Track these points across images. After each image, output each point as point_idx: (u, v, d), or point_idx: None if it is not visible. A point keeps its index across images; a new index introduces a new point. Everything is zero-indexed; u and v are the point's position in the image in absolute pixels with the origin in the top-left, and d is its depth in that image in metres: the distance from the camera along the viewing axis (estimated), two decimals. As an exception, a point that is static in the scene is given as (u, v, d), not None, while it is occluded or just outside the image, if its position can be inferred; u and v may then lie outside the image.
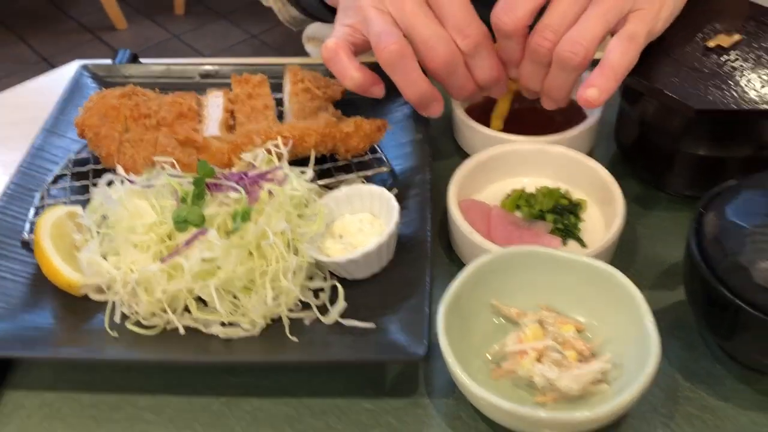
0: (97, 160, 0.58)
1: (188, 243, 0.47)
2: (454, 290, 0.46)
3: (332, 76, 0.58)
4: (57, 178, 0.58)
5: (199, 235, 0.47)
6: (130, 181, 0.50)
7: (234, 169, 0.52)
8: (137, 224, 0.48)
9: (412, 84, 0.54)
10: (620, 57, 0.50)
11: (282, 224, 0.47)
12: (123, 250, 0.48)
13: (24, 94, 0.76)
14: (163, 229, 0.48)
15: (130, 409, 0.47)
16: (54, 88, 0.67)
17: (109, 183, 0.51)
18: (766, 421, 0.45)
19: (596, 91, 0.50)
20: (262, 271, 0.47)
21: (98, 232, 0.50)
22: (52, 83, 0.72)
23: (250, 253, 0.47)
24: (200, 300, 0.48)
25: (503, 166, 0.58)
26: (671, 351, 0.49)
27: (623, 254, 0.54)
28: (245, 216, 0.47)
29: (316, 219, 0.50)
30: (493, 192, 0.58)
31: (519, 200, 0.56)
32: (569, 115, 0.60)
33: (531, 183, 0.58)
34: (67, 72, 0.71)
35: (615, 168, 0.56)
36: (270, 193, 0.48)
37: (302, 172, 0.52)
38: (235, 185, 0.48)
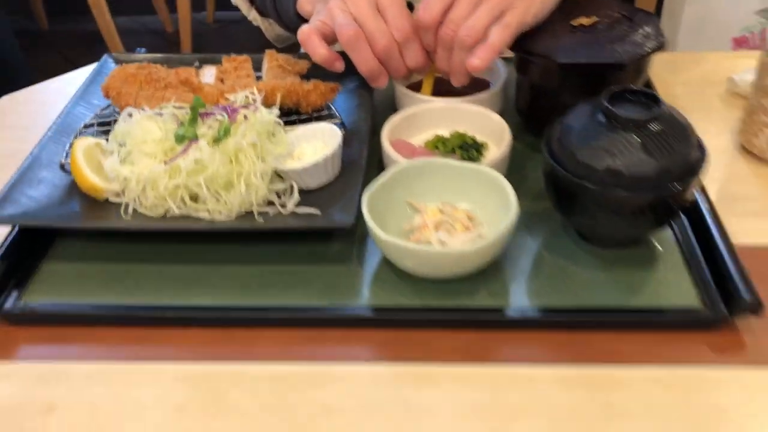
0: (118, 113, 0.76)
1: (185, 150, 0.64)
2: (377, 185, 0.63)
3: (305, 57, 0.77)
4: (87, 126, 0.77)
5: (192, 144, 0.64)
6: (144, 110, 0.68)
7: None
8: (148, 139, 0.66)
9: (365, 61, 0.74)
10: (497, 38, 0.70)
11: (254, 138, 0.65)
12: (136, 159, 0.66)
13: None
14: (167, 144, 0.66)
15: (138, 273, 0.64)
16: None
17: (129, 114, 0.69)
18: (603, 277, 0.62)
19: (478, 60, 0.70)
20: (238, 173, 0.65)
21: (119, 149, 0.67)
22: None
23: (231, 161, 0.65)
24: (192, 200, 0.65)
25: (426, 120, 0.76)
26: (540, 235, 0.66)
27: (515, 179, 0.72)
28: (226, 131, 0.65)
29: (280, 143, 0.68)
30: (418, 140, 0.76)
31: (437, 142, 0.74)
32: (478, 87, 0.79)
33: (447, 131, 0.76)
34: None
35: (515, 129, 0.74)
36: (245, 117, 0.66)
37: (270, 112, 0.70)
38: (220, 112, 0.66)
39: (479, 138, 0.75)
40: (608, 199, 0.58)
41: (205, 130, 0.66)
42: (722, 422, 0.52)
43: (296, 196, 0.66)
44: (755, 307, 0.57)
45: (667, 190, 0.57)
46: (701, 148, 0.60)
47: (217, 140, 0.65)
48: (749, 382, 0.54)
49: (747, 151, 0.78)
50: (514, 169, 0.71)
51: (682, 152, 0.58)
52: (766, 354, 0.56)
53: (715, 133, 0.80)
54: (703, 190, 0.68)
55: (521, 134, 0.77)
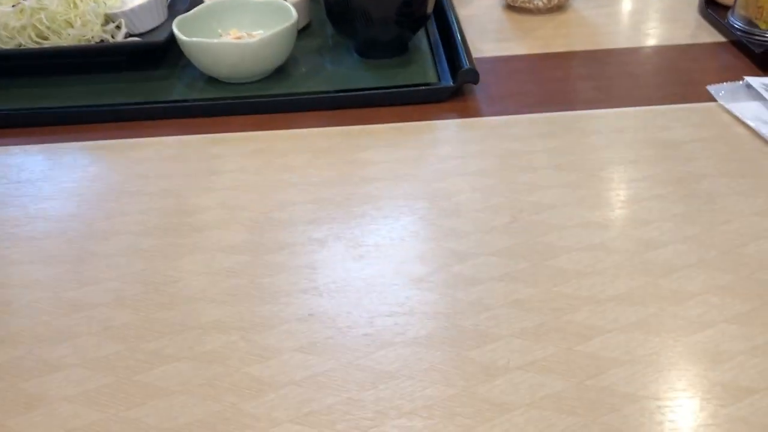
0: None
1: (29, -5, 0.79)
2: (189, 14, 0.79)
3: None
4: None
5: (35, -10, 0.79)
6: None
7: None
8: (0, -9, 0.80)
9: None
10: None
11: (87, -15, 0.80)
12: (-9, 6, 0.80)
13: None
14: (15, -6, 0.81)
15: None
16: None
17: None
18: (369, 75, 0.79)
19: None
20: (75, 13, 0.80)
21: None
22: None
23: (69, 4, 0.80)
24: (40, 38, 0.80)
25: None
26: (327, 55, 0.83)
27: (319, 15, 0.89)
28: (64, -22, 0.80)
29: (113, -5, 0.84)
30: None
31: None
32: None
33: None
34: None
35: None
36: (81, -32, 0.81)
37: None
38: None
39: None
40: (360, 7, 0.76)
41: (47, -21, 0.81)
42: (438, 148, 0.69)
43: (123, 30, 0.81)
44: (473, 76, 0.75)
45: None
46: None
47: (55, -15, 0.80)
48: (464, 127, 0.72)
49: (511, 6, 0.97)
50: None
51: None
52: (477, 110, 0.74)
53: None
54: (453, 10, 0.87)
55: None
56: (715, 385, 0.43)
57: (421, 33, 0.87)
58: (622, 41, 0.86)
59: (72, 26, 0.79)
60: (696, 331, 0.47)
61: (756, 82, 0.71)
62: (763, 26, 0.80)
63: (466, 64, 0.75)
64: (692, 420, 0.42)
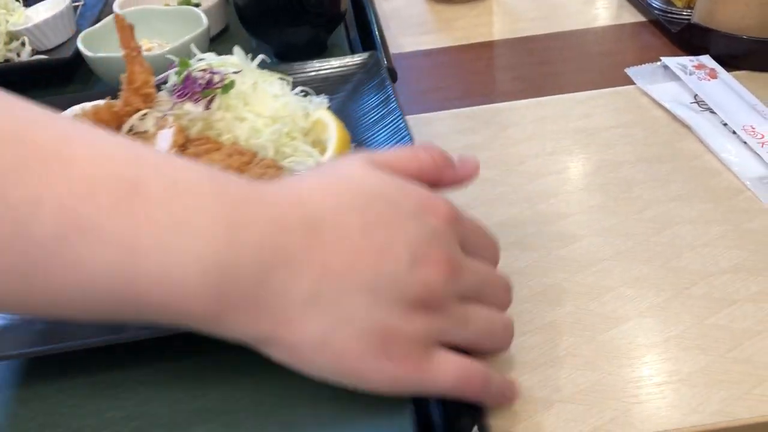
0: None
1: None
2: (96, 27, 0.76)
3: None
4: None
5: (-71, 12, 0.75)
6: None
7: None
8: None
9: None
10: None
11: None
12: None
13: None
14: None
15: None
16: None
17: None
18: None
19: None
20: (-25, 34, 0.76)
21: None
22: None
23: (-32, 26, 0.77)
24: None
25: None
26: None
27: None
28: (-41, -1, 0.76)
29: (15, 12, 0.80)
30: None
31: None
32: None
33: (175, -1, 0.90)
34: None
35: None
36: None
37: (7, -11, 0.81)
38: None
39: None
40: (271, 11, 0.74)
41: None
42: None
43: (28, 47, 0.78)
44: (391, 75, 0.73)
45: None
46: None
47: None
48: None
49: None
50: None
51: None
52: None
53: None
54: (372, 6, 0.85)
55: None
56: None
57: (341, 31, 0.85)
58: (544, 27, 0.85)
59: (-26, 49, 0.76)
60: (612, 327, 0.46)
61: (672, 62, 0.70)
62: (679, 4, 0.80)
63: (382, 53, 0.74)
64: None
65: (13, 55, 0.78)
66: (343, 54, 0.81)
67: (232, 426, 0.41)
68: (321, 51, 0.80)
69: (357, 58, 0.69)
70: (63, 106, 0.64)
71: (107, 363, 0.45)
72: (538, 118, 0.68)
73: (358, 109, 0.63)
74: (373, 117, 0.61)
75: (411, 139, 0.56)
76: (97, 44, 0.74)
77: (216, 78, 0.56)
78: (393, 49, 0.79)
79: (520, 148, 0.64)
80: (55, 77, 0.78)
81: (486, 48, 0.82)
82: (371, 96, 0.64)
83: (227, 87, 0.55)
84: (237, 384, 0.44)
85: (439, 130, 0.68)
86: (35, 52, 0.79)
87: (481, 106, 0.71)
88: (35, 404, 0.44)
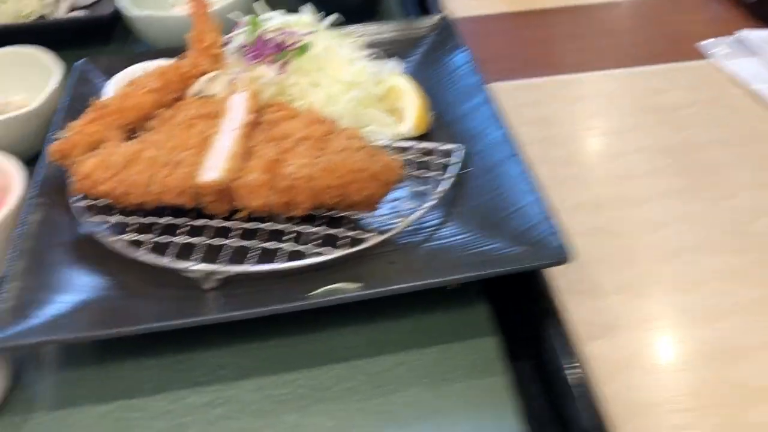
0: None
1: None
2: None
3: None
4: None
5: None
6: None
7: None
8: None
9: None
10: None
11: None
12: None
13: None
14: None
15: None
16: None
17: None
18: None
19: None
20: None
21: None
22: None
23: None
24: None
25: None
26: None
27: None
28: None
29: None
30: None
31: None
32: None
33: None
34: None
35: None
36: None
37: None
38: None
39: None
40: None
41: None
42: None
43: (64, 4, 0.74)
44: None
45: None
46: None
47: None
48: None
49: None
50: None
51: None
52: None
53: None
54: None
55: None
56: None
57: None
58: (604, -6, 0.81)
59: (4, 1, 0.72)
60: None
61: (753, 35, 0.66)
62: (754, -27, 0.75)
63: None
64: None
65: (48, 12, 0.74)
66: (393, 17, 0.77)
67: (326, 414, 0.39)
68: (372, 14, 0.76)
69: (426, 21, 0.65)
70: (121, 66, 0.61)
71: (176, 343, 0.43)
72: (606, 93, 0.64)
73: (432, 75, 0.59)
74: (450, 84, 0.57)
75: (497, 111, 0.53)
76: (140, 2, 0.70)
77: (288, 39, 0.52)
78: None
79: (590, 124, 0.61)
80: (94, 35, 0.74)
81: (544, 16, 0.78)
82: (445, 61, 0.60)
83: (302, 49, 0.51)
84: (330, 369, 0.41)
85: (503, 101, 0.64)
86: (71, 8, 0.75)
87: (544, 77, 0.67)
88: (112, 384, 0.42)
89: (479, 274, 0.42)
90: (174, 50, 0.57)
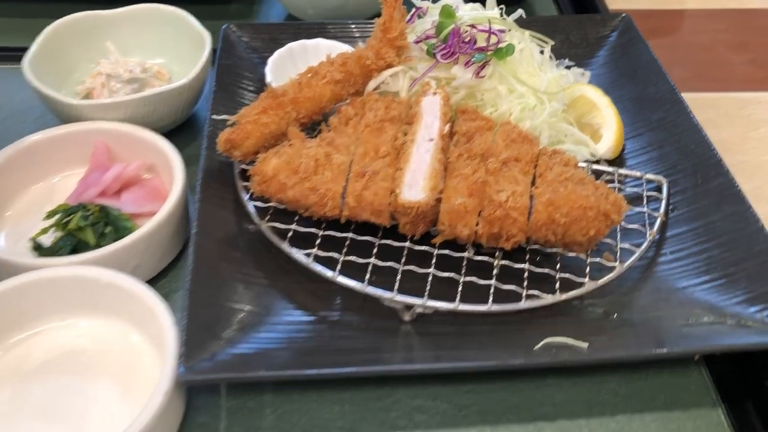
0: None
1: None
2: None
3: None
4: None
5: None
6: None
7: None
8: None
9: None
10: None
11: None
12: None
13: None
14: None
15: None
16: None
17: None
18: None
19: None
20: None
21: None
22: None
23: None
24: None
25: None
26: None
27: None
28: None
29: None
30: None
31: None
32: None
33: None
34: None
35: None
36: None
37: None
38: None
39: None
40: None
41: None
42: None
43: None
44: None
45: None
46: None
47: None
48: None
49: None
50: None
51: None
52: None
53: None
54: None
55: None
56: None
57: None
58: (771, -1, 0.74)
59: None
60: None
61: None
62: None
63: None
64: None
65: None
66: (543, 11, 0.71)
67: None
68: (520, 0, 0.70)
69: (603, 19, 0.59)
70: (265, 34, 0.56)
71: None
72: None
73: (616, 84, 0.54)
74: (638, 95, 0.52)
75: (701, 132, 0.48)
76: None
77: (481, 37, 0.46)
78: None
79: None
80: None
81: (704, 18, 0.72)
82: (629, 68, 0.55)
83: (503, 52, 0.46)
84: (537, 428, 0.38)
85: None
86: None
87: (718, 94, 0.61)
88: (292, 420, 0.38)
89: (735, 345, 0.38)
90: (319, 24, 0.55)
